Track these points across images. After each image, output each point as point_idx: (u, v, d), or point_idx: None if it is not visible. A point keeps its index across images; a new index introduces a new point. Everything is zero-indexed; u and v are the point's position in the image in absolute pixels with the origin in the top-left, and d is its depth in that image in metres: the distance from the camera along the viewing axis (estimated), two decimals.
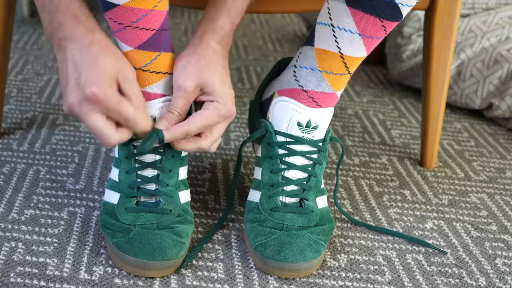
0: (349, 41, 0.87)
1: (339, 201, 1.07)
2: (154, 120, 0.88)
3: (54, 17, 0.82)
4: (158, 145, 0.87)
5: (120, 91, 0.81)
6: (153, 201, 0.90)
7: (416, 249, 0.96)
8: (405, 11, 0.85)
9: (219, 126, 0.88)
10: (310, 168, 0.93)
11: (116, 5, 0.81)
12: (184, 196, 0.92)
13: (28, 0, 2.03)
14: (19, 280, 0.82)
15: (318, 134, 0.93)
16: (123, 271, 0.86)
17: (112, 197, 0.91)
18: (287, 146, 0.92)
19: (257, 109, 0.97)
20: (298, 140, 0.92)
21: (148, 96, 0.88)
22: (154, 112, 0.88)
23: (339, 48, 0.88)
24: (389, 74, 1.72)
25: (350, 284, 0.87)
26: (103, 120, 0.80)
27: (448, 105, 1.52)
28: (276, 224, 0.90)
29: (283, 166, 0.92)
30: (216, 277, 0.86)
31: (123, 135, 0.83)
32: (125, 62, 0.83)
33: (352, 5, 0.85)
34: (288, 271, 0.86)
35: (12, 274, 0.83)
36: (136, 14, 0.82)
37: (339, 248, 0.95)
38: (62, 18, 0.82)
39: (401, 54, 1.59)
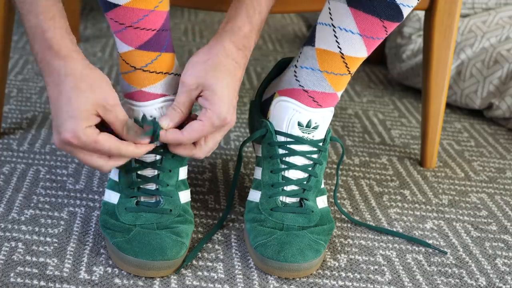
0: (350, 41, 0.87)
1: (339, 201, 1.07)
2: (154, 119, 0.88)
3: (33, 45, 0.82)
4: (157, 144, 0.87)
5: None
6: (153, 201, 0.90)
7: (416, 249, 0.96)
8: (406, 11, 0.85)
9: (212, 136, 0.86)
10: (310, 168, 0.93)
11: (117, 5, 0.81)
12: (184, 196, 0.92)
13: None
14: (19, 280, 0.82)
15: (319, 134, 0.93)
16: (123, 271, 0.86)
17: (112, 197, 0.91)
18: (288, 146, 0.92)
19: (258, 109, 0.97)
20: (299, 140, 0.92)
21: (148, 96, 0.88)
22: (154, 112, 0.88)
23: (340, 48, 0.88)
24: (389, 74, 1.72)
25: (350, 284, 0.87)
26: (90, 155, 0.81)
27: (448, 105, 1.52)
28: (276, 224, 0.90)
29: (283, 166, 0.92)
30: (216, 277, 0.86)
31: (117, 162, 0.83)
32: (103, 89, 0.80)
33: (353, 5, 0.85)
34: (288, 271, 0.86)
35: (12, 274, 0.83)
36: (137, 15, 0.82)
37: (339, 248, 0.95)
38: (38, 48, 0.81)
39: (401, 54, 1.59)
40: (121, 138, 0.83)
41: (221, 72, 0.84)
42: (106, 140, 0.80)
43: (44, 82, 0.82)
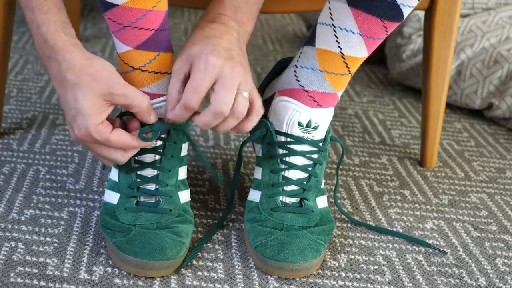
0: (350, 41, 0.87)
1: (339, 201, 1.07)
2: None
3: (34, 41, 0.84)
4: (162, 135, 0.88)
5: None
6: (152, 201, 0.90)
7: (416, 249, 0.96)
8: (406, 11, 0.85)
9: (214, 84, 0.81)
10: (310, 168, 0.93)
11: (115, 5, 0.81)
12: (184, 196, 0.92)
13: None
14: (19, 280, 0.82)
15: (319, 134, 0.93)
16: (123, 271, 0.86)
17: (112, 197, 0.91)
18: (288, 146, 0.92)
19: None
20: (299, 140, 0.92)
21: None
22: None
23: (340, 48, 0.88)
24: (389, 74, 1.72)
25: (350, 284, 0.87)
26: (106, 149, 0.83)
27: (448, 105, 1.52)
28: (276, 224, 0.90)
29: (283, 166, 0.92)
30: (216, 277, 0.86)
31: (133, 152, 0.86)
32: (105, 77, 0.80)
33: (353, 5, 0.85)
34: (288, 271, 0.86)
35: (12, 274, 0.83)
36: (135, 14, 0.82)
37: (339, 248, 0.95)
38: (36, 43, 0.83)
39: (401, 54, 1.59)
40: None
41: (202, 38, 0.84)
42: (118, 139, 0.82)
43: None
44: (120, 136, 0.83)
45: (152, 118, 0.85)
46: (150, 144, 0.87)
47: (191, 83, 0.81)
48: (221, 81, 0.81)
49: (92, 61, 0.81)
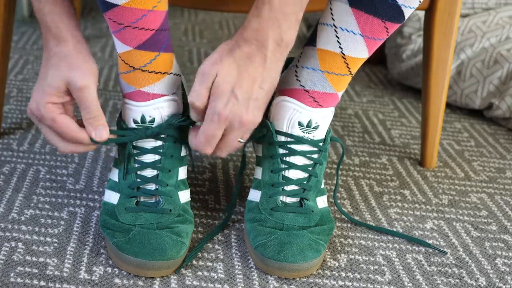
0: (351, 42, 0.87)
1: (339, 201, 1.07)
2: (153, 120, 0.88)
3: (40, 26, 0.86)
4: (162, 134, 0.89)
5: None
6: (152, 201, 0.90)
7: (416, 249, 0.96)
8: (407, 12, 0.85)
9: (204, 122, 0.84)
10: (310, 168, 0.93)
11: (116, 5, 0.81)
12: (184, 196, 0.92)
13: (28, 0, 2.03)
14: (19, 280, 0.82)
15: (319, 134, 0.93)
16: (123, 271, 0.86)
17: (112, 197, 0.91)
18: (288, 145, 0.92)
19: None
20: (299, 140, 0.92)
21: (147, 96, 0.88)
22: (153, 112, 0.88)
23: (341, 49, 0.88)
24: (389, 74, 1.72)
25: (350, 284, 0.87)
26: (50, 132, 0.85)
27: (448, 105, 1.52)
28: (276, 224, 0.90)
29: (283, 166, 0.92)
30: (216, 277, 0.86)
31: (77, 148, 0.86)
32: (79, 71, 0.83)
33: (355, 6, 0.85)
34: (288, 271, 0.86)
35: (12, 274, 0.83)
36: (136, 14, 0.82)
37: (339, 248, 0.95)
38: (41, 30, 0.86)
39: (401, 54, 1.59)
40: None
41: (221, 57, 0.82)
42: (63, 122, 0.84)
43: None
44: (66, 120, 0.84)
45: (96, 135, 0.85)
46: (94, 147, 0.87)
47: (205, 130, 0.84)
48: (216, 128, 0.83)
49: (79, 54, 0.84)
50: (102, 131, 0.85)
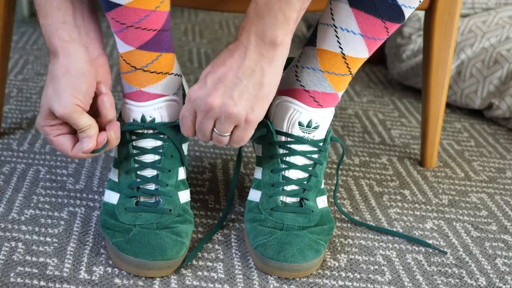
0: (351, 42, 0.87)
1: (339, 201, 1.07)
2: (153, 120, 0.88)
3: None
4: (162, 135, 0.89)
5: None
6: (152, 201, 0.90)
7: (416, 249, 0.96)
8: (407, 12, 0.85)
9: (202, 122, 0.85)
10: (310, 168, 0.93)
11: (119, 5, 0.81)
12: (184, 196, 0.92)
13: (28, 0, 2.03)
14: (19, 280, 0.82)
15: (319, 134, 0.93)
16: (123, 271, 0.86)
17: (112, 197, 0.91)
18: (288, 145, 0.92)
19: None
20: (299, 140, 0.92)
21: (147, 96, 0.88)
22: (154, 112, 0.88)
23: (341, 49, 0.88)
24: (389, 74, 1.72)
25: (350, 284, 0.87)
26: (56, 139, 0.86)
27: (448, 105, 1.52)
28: (276, 224, 0.90)
29: (283, 166, 0.92)
30: (216, 277, 0.86)
31: (80, 155, 0.87)
32: (60, 99, 0.83)
33: (355, 6, 0.85)
34: (288, 271, 0.86)
35: (12, 274, 0.83)
36: (139, 15, 0.82)
37: (339, 248, 0.95)
38: (47, 40, 0.86)
39: (401, 54, 1.59)
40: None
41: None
42: (57, 145, 0.86)
43: None
44: (59, 142, 0.85)
45: (82, 148, 0.85)
46: (97, 153, 0.88)
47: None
48: (207, 119, 0.84)
49: (66, 77, 0.83)
50: (85, 143, 0.85)
